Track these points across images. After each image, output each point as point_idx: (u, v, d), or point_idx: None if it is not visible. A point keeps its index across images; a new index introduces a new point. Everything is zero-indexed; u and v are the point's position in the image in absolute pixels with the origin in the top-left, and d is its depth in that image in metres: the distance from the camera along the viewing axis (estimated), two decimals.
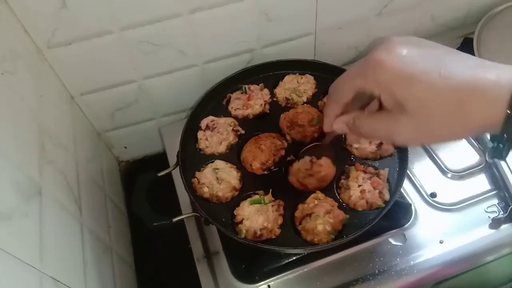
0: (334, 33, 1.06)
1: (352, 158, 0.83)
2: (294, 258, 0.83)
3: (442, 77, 0.42)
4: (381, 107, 0.49)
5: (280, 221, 0.76)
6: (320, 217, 0.73)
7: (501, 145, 0.44)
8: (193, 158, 0.86)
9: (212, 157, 0.86)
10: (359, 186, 0.77)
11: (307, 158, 0.80)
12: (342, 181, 0.81)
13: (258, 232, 0.75)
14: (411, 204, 0.87)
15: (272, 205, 0.77)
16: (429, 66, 0.43)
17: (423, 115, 0.44)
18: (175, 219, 0.77)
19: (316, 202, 0.77)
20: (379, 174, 0.79)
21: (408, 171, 0.86)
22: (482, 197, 0.88)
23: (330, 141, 0.73)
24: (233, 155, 0.86)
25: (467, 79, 0.42)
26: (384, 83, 0.45)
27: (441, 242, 0.83)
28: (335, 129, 0.57)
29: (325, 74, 0.95)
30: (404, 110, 0.45)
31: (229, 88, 0.95)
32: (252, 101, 0.91)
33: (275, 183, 0.82)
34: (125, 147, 1.16)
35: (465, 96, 0.42)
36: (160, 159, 1.05)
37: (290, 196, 0.79)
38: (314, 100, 0.93)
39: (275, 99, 0.94)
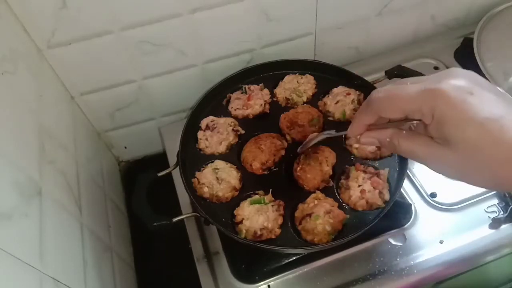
0: (334, 33, 1.06)
1: (352, 158, 0.83)
2: (294, 258, 0.83)
3: (503, 130, 0.41)
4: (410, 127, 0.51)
5: (280, 221, 0.76)
6: (320, 217, 0.73)
7: None
8: (193, 158, 0.86)
9: (212, 157, 0.86)
10: (359, 186, 0.77)
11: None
12: (342, 181, 0.81)
13: (258, 232, 0.75)
14: (411, 204, 0.88)
15: (272, 205, 0.77)
16: (492, 115, 0.42)
17: (470, 160, 0.44)
18: (175, 219, 0.77)
19: (316, 202, 0.77)
20: (379, 174, 0.79)
21: (408, 171, 0.86)
22: (482, 197, 0.88)
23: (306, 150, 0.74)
24: (233, 155, 0.86)
25: None
26: (440, 117, 0.44)
27: (441, 242, 0.83)
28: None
29: (325, 74, 0.95)
30: (449, 147, 0.45)
31: (229, 88, 0.95)
32: (252, 101, 0.91)
33: (275, 183, 0.82)
34: (125, 147, 1.16)
35: None
36: (160, 159, 1.05)
37: (290, 196, 0.79)
38: (314, 100, 0.93)
39: (275, 99, 0.94)
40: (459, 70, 0.47)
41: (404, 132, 0.52)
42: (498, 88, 0.46)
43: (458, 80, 0.44)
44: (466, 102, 0.42)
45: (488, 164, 0.43)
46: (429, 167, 0.50)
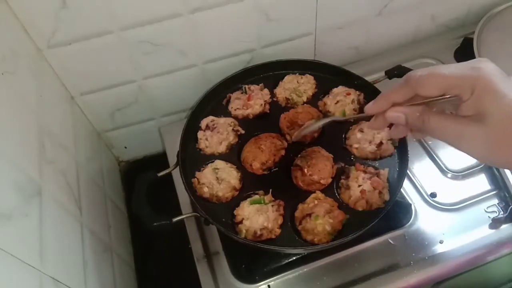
0: (334, 33, 1.06)
1: (352, 158, 0.83)
2: (294, 258, 0.83)
3: None
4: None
5: (280, 221, 0.76)
6: (320, 217, 0.73)
7: None
8: (193, 158, 0.86)
9: (212, 157, 0.86)
10: (359, 186, 0.77)
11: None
12: (342, 181, 0.81)
13: (258, 232, 0.75)
14: (411, 204, 0.88)
15: (272, 205, 0.77)
16: None
17: (503, 132, 0.45)
18: (175, 219, 0.77)
19: (316, 202, 0.77)
20: (379, 174, 0.79)
21: (408, 171, 0.86)
22: (482, 197, 0.88)
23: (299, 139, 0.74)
24: (233, 155, 0.86)
25: None
26: (481, 90, 0.46)
27: (441, 242, 0.83)
28: (388, 116, 0.54)
29: (325, 74, 0.95)
30: (483, 122, 0.46)
31: (229, 88, 0.95)
32: (252, 101, 0.91)
33: (275, 183, 0.82)
34: (125, 147, 1.16)
35: None
36: (160, 159, 1.05)
37: (290, 196, 0.79)
38: (314, 100, 0.93)
39: (275, 99, 0.94)
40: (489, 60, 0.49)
41: (434, 109, 0.52)
42: None
43: (495, 65, 0.48)
44: (505, 81, 0.46)
45: None
46: (459, 147, 0.50)
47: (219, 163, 0.84)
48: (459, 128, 0.49)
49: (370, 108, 0.57)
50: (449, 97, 0.49)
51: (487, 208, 0.86)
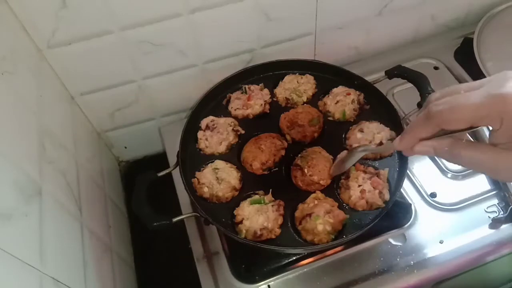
0: (334, 33, 1.06)
1: None
2: (294, 258, 0.83)
3: None
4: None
5: (280, 221, 0.76)
6: (320, 217, 0.73)
7: None
8: (193, 158, 0.86)
9: (212, 157, 0.86)
10: (359, 186, 0.77)
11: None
12: (342, 181, 0.81)
13: (258, 232, 0.75)
14: (411, 204, 0.87)
15: (272, 205, 0.77)
16: None
17: None
18: (175, 219, 0.77)
19: (316, 202, 0.77)
20: (379, 174, 0.79)
21: (408, 171, 0.86)
22: (482, 197, 0.88)
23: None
24: (233, 155, 0.86)
25: None
26: (508, 119, 0.44)
27: (441, 242, 0.83)
28: (416, 151, 0.53)
29: (325, 74, 0.95)
30: None
31: (229, 88, 0.95)
32: (252, 101, 0.91)
33: (275, 183, 0.82)
34: (125, 147, 1.16)
35: None
36: (160, 159, 1.05)
37: (290, 196, 0.79)
38: (314, 100, 0.93)
39: (275, 99, 0.94)
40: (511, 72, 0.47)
41: (464, 141, 0.50)
42: None
43: None
44: None
45: None
46: (497, 177, 0.49)
47: (219, 163, 0.84)
48: (493, 158, 0.47)
49: (398, 145, 0.56)
50: (475, 128, 0.47)
51: (487, 208, 0.86)
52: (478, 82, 0.48)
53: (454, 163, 0.52)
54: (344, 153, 0.78)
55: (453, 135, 0.50)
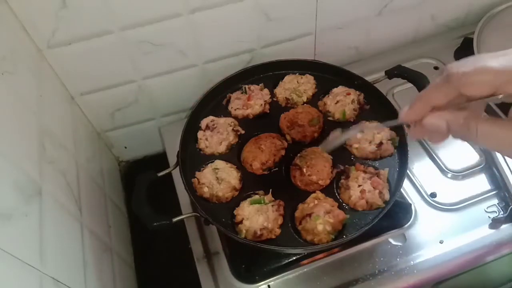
0: (334, 33, 1.06)
1: (352, 158, 0.83)
2: (294, 258, 0.83)
3: None
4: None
5: (280, 221, 0.76)
6: (320, 217, 0.73)
7: None
8: (193, 158, 0.86)
9: (212, 157, 0.86)
10: (359, 186, 0.77)
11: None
12: (342, 181, 0.81)
13: (258, 232, 0.75)
14: (411, 204, 0.88)
15: (272, 205, 0.77)
16: None
17: None
18: (175, 219, 0.77)
19: (316, 202, 0.77)
20: (379, 174, 0.79)
21: (408, 171, 0.86)
22: (482, 197, 0.88)
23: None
24: (233, 155, 0.86)
25: None
26: None
27: (441, 242, 0.83)
28: (428, 124, 0.46)
29: (325, 74, 0.95)
30: None
31: (229, 88, 0.95)
32: (252, 101, 0.91)
33: (275, 183, 0.82)
34: (125, 147, 1.16)
35: None
36: (160, 159, 1.05)
37: (290, 196, 0.79)
38: (314, 100, 0.93)
39: (275, 99, 0.94)
40: None
41: (483, 114, 0.45)
42: None
43: None
44: None
45: None
46: None
47: (219, 163, 0.84)
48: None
49: (406, 114, 0.48)
50: (501, 97, 0.42)
51: (487, 208, 0.86)
52: (502, 51, 0.43)
53: (469, 141, 0.46)
54: (338, 131, 0.73)
55: (470, 107, 0.45)
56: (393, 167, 0.81)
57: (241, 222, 0.76)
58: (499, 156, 0.89)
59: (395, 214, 0.85)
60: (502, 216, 0.84)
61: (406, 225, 0.85)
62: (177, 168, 0.82)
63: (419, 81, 0.85)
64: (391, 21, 1.09)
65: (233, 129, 0.88)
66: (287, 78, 0.95)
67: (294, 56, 0.98)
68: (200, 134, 0.88)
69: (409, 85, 0.88)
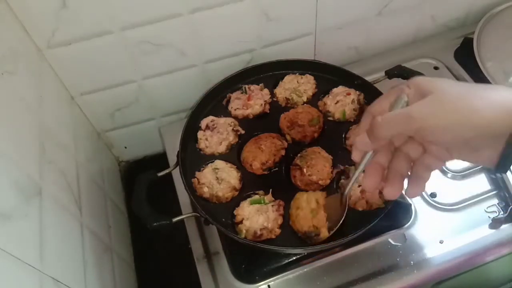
0: (334, 33, 1.05)
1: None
2: (294, 258, 0.83)
3: (459, 84, 0.50)
4: None
5: (280, 221, 0.76)
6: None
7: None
8: (193, 158, 0.86)
9: (212, 157, 0.86)
10: (359, 186, 0.77)
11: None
12: (342, 181, 0.81)
13: (258, 232, 0.75)
14: (411, 204, 0.87)
15: (272, 205, 0.77)
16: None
17: (443, 96, 0.47)
18: (175, 219, 0.77)
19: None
20: None
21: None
22: (482, 197, 0.88)
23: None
24: (233, 155, 0.86)
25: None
26: (415, 82, 0.53)
27: (441, 242, 0.83)
28: (361, 149, 0.55)
29: (325, 74, 0.95)
30: (425, 96, 0.48)
31: (229, 88, 0.95)
32: (252, 101, 0.91)
33: (275, 183, 0.82)
34: (125, 147, 1.16)
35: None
36: (160, 159, 1.05)
37: (290, 196, 0.79)
38: (314, 100, 0.93)
39: (275, 99, 0.94)
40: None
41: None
42: None
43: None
44: (427, 78, 0.53)
45: (457, 96, 0.47)
46: (412, 123, 0.49)
47: (219, 163, 0.84)
48: (402, 112, 0.50)
49: (356, 157, 0.57)
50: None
51: (487, 208, 0.86)
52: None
53: (384, 138, 0.52)
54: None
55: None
56: None
57: (241, 222, 0.76)
58: None
59: (395, 214, 0.85)
60: (502, 216, 0.84)
61: (406, 225, 0.85)
62: (177, 168, 0.82)
63: None
64: (391, 21, 1.09)
65: (233, 129, 0.88)
66: (287, 78, 0.95)
67: (294, 56, 0.98)
68: (200, 134, 0.88)
69: None
